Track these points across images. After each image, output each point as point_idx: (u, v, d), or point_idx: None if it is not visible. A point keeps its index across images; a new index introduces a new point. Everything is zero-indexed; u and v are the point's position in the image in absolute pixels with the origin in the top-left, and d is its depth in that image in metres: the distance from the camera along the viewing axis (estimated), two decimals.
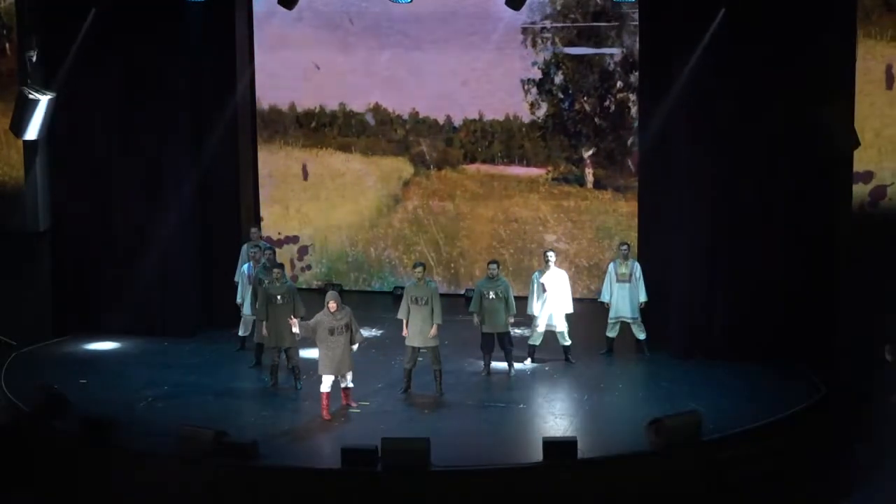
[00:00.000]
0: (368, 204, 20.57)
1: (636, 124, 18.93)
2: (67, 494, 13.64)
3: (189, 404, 14.86)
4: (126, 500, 13.18)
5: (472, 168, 20.18)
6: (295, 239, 20.83)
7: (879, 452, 14.71)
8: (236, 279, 17.09)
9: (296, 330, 14.39)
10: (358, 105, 20.37)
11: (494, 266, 15.87)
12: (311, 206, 20.74)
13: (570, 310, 16.25)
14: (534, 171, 19.90)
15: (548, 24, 19.36)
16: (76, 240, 18.06)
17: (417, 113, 20.27)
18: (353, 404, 14.61)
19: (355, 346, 14.57)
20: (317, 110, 20.55)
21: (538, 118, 19.69)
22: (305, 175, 20.66)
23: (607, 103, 19.40)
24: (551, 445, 12.74)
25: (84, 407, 14.22)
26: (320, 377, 14.39)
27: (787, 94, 15.69)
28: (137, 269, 17.92)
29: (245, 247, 17.33)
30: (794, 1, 15.62)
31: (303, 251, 20.86)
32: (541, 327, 16.26)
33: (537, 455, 12.75)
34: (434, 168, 20.27)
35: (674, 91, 16.31)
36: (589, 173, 19.64)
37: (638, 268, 16.59)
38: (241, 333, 17.01)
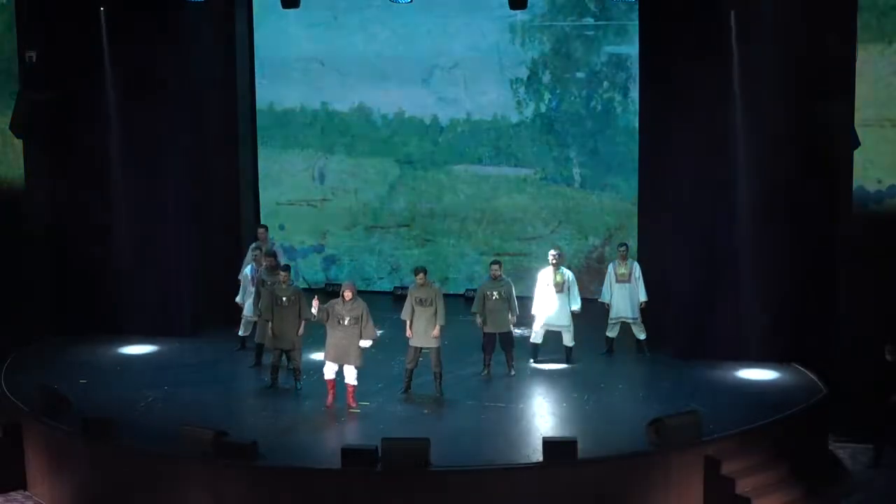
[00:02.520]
0: (356, 206, 20.59)
1: (619, 122, 19.00)
2: (67, 494, 13.65)
3: (189, 404, 14.84)
4: (126, 500, 13.19)
5: (459, 168, 20.19)
6: (320, 248, 20.84)
7: (879, 452, 14.73)
8: (240, 279, 17.07)
9: (314, 311, 14.39)
10: (342, 104, 20.35)
11: (497, 266, 15.85)
12: (295, 209, 20.78)
13: (577, 307, 16.18)
14: (522, 172, 19.89)
15: (538, 22, 19.34)
16: (76, 240, 18.05)
17: (404, 112, 20.26)
18: (354, 404, 14.61)
19: (365, 343, 14.53)
20: (298, 109, 20.53)
21: (526, 118, 19.71)
22: (322, 178, 20.65)
23: (594, 103, 19.38)
24: (551, 445, 12.73)
25: (84, 407, 14.23)
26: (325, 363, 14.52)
27: (787, 94, 15.67)
28: (137, 269, 17.92)
29: (252, 247, 17.29)
30: (794, 1, 15.61)
31: (329, 260, 20.83)
32: (543, 327, 16.25)
33: (537, 455, 12.75)
34: (420, 169, 20.24)
35: (674, 90, 16.30)
36: (577, 173, 19.66)
37: (637, 268, 16.59)
38: (241, 333, 17.01)
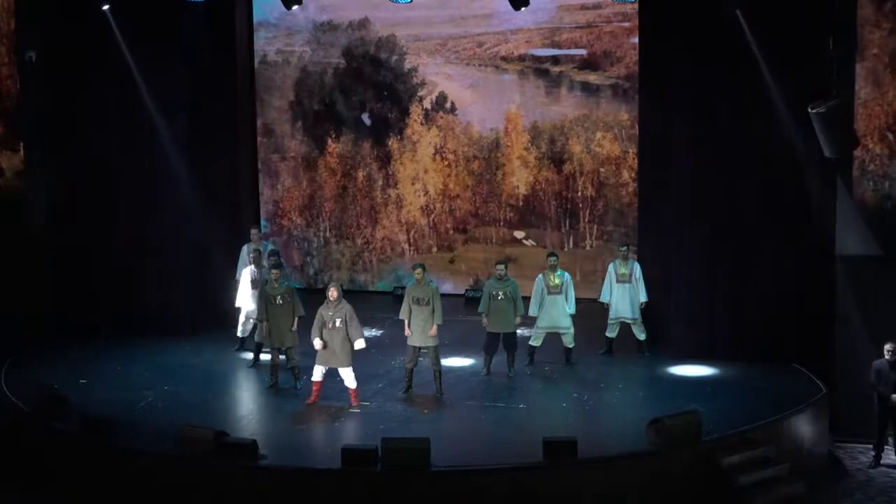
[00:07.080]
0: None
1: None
2: (67, 494, 13.65)
3: (189, 404, 14.84)
4: (126, 500, 13.19)
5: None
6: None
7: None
8: (237, 279, 17.08)
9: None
10: None
11: (502, 266, 15.82)
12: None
13: (573, 311, 16.21)
14: None
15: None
16: (76, 240, 18.06)
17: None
18: (354, 403, 14.62)
19: (359, 345, 14.51)
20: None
21: None
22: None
23: None
24: (551, 445, 12.73)
25: (84, 407, 14.23)
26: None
27: (786, 94, 15.66)
28: (137, 268, 17.93)
29: (245, 248, 17.31)
30: (794, 2, 15.60)
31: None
32: (543, 329, 16.24)
33: (537, 455, 12.75)
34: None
35: (673, 92, 16.30)
36: None
37: (638, 268, 16.59)
38: (239, 334, 17.00)
